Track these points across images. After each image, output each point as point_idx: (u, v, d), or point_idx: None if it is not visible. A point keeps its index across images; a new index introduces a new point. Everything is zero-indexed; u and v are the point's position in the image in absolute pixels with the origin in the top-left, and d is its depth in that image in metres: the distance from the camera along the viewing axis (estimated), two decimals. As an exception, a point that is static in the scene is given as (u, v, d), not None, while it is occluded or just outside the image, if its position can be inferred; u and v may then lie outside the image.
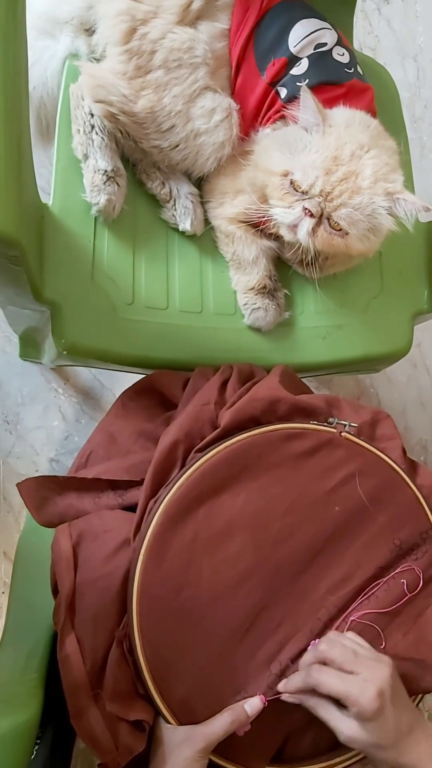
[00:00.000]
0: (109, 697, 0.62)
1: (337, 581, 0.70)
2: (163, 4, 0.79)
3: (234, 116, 0.83)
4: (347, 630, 0.67)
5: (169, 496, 0.67)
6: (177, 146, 0.83)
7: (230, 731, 0.62)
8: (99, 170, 0.82)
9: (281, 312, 0.89)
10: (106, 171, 0.82)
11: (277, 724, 0.65)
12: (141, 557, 0.65)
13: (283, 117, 0.83)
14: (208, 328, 0.88)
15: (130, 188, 0.87)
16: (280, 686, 0.64)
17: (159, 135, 0.82)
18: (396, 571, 0.71)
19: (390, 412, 0.83)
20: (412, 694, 0.69)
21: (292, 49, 0.82)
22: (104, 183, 0.82)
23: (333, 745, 0.67)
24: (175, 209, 0.87)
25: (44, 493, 0.75)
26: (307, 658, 0.65)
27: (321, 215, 0.78)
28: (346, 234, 0.78)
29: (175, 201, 0.87)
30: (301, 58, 0.82)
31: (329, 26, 0.85)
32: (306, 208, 0.77)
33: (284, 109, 0.82)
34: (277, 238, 0.88)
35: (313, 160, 0.76)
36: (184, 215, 0.87)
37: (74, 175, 0.84)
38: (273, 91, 0.83)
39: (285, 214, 0.79)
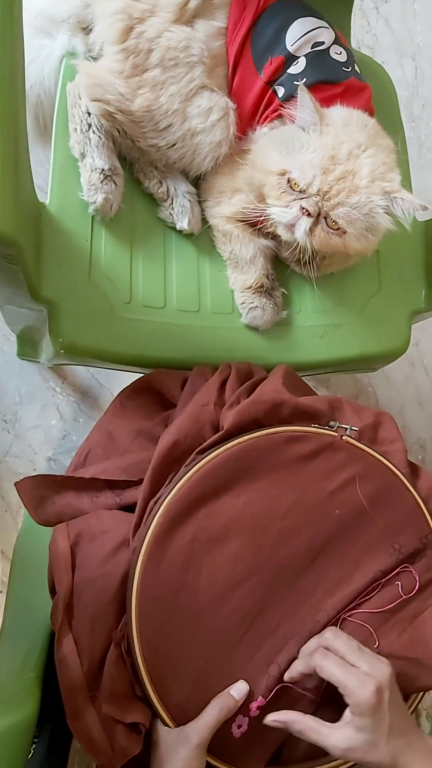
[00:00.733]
0: (105, 699, 0.62)
1: (335, 584, 0.69)
2: (160, 3, 0.79)
3: (231, 115, 0.83)
4: (339, 627, 0.67)
5: (169, 496, 0.67)
6: (174, 145, 0.83)
7: (221, 720, 0.61)
8: (96, 169, 0.82)
9: (279, 311, 0.89)
10: (103, 170, 0.82)
11: (273, 727, 0.65)
12: (141, 557, 0.65)
13: (280, 116, 0.83)
14: (205, 327, 0.88)
15: (127, 187, 0.86)
16: (286, 677, 0.64)
17: (156, 134, 0.82)
18: (394, 573, 0.71)
19: (388, 411, 0.83)
20: (408, 693, 0.69)
21: (290, 48, 0.82)
22: (101, 182, 0.82)
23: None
24: (173, 208, 0.87)
25: (42, 492, 0.75)
26: (311, 644, 0.64)
27: (318, 214, 0.78)
28: (344, 233, 0.78)
29: (172, 200, 0.87)
30: (298, 57, 0.82)
31: (326, 25, 0.85)
32: (303, 208, 0.77)
33: (282, 108, 0.82)
34: (274, 237, 0.87)
35: (310, 159, 0.76)
36: (181, 214, 0.87)
37: (71, 173, 0.84)
38: (270, 90, 0.83)
39: (282, 213, 0.79)
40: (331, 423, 0.76)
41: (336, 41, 0.84)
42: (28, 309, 0.84)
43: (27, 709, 0.65)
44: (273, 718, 0.62)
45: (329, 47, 0.83)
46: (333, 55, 0.83)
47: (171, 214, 0.87)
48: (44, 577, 0.71)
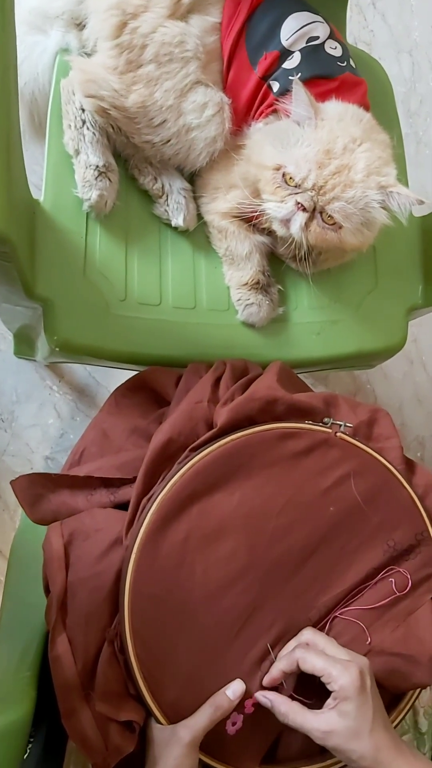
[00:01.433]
0: (99, 698, 0.62)
1: (330, 582, 0.69)
2: (154, -2, 0.79)
3: (226, 111, 0.83)
4: (330, 625, 0.68)
5: (162, 494, 0.67)
6: (169, 141, 0.82)
7: (215, 719, 0.61)
8: (90, 165, 0.81)
9: (275, 308, 0.89)
10: (97, 166, 0.82)
11: (268, 724, 0.64)
12: (133, 555, 0.64)
13: (275, 111, 0.83)
14: (201, 324, 0.87)
15: (122, 184, 0.86)
16: (266, 680, 0.64)
17: (150, 130, 0.82)
18: (385, 572, 0.70)
19: (386, 408, 0.82)
20: (403, 691, 0.69)
21: (284, 43, 0.81)
22: (96, 178, 0.81)
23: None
24: (168, 204, 0.87)
25: (37, 491, 0.74)
26: (289, 646, 0.66)
27: (314, 209, 0.77)
28: (340, 228, 0.78)
29: (167, 196, 0.87)
30: (293, 52, 0.82)
31: (321, 19, 0.84)
32: (298, 203, 0.77)
33: (277, 103, 0.82)
34: (270, 233, 0.87)
35: (305, 153, 0.76)
36: (176, 210, 0.87)
37: (66, 170, 0.83)
38: (265, 85, 0.83)
39: (277, 208, 0.79)
40: (326, 419, 0.75)
41: (331, 36, 0.84)
42: (24, 307, 0.84)
43: (22, 709, 0.65)
44: (263, 695, 0.63)
45: (324, 42, 0.83)
46: (328, 50, 0.83)
47: (166, 210, 0.87)
48: (41, 576, 0.71)
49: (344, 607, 0.68)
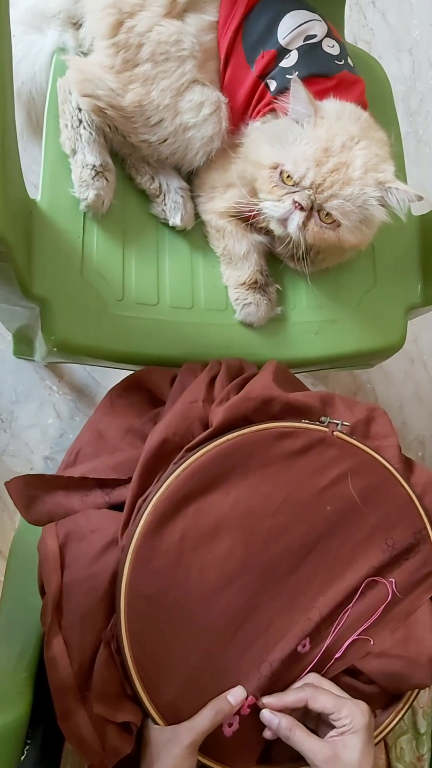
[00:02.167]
0: (96, 699, 0.62)
1: (328, 581, 0.69)
2: (150, -3, 0.78)
3: (223, 110, 0.83)
4: (338, 630, 0.68)
5: (158, 494, 0.66)
6: (166, 140, 0.82)
7: (216, 723, 0.61)
8: (87, 165, 0.81)
9: (273, 307, 0.88)
10: (94, 166, 0.81)
11: (263, 726, 0.64)
12: (129, 556, 0.64)
13: (272, 110, 0.83)
14: (199, 324, 0.87)
15: (119, 183, 0.86)
16: (273, 702, 0.64)
17: (147, 129, 0.82)
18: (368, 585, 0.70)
19: (387, 408, 0.82)
20: (402, 692, 0.69)
21: (282, 41, 0.81)
22: (93, 178, 0.81)
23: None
24: (165, 204, 0.86)
25: (32, 492, 0.74)
26: (294, 686, 0.66)
27: (311, 208, 0.77)
28: (338, 226, 0.77)
29: (165, 196, 0.86)
30: (290, 50, 0.81)
31: (319, 18, 0.84)
32: (296, 201, 0.76)
33: (275, 101, 0.82)
34: (268, 232, 0.87)
35: (303, 151, 0.76)
36: (174, 210, 0.86)
37: (63, 170, 0.83)
38: (262, 84, 0.83)
39: (275, 207, 0.79)
40: (322, 418, 0.75)
41: (328, 34, 0.83)
42: (21, 307, 0.84)
43: (19, 710, 0.64)
44: (270, 714, 0.64)
45: (321, 40, 0.82)
46: (325, 48, 0.82)
47: (163, 210, 0.87)
48: (38, 577, 0.71)
49: (347, 610, 0.68)
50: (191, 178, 0.90)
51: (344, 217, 0.76)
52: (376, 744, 0.67)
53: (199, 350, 0.86)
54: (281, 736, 0.63)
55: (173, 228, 0.88)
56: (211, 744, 0.62)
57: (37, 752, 0.71)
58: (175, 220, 0.86)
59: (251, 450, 0.70)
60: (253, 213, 0.82)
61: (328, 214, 0.77)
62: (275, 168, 0.78)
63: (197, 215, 0.89)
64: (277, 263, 0.91)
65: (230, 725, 0.63)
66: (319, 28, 0.83)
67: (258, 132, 0.83)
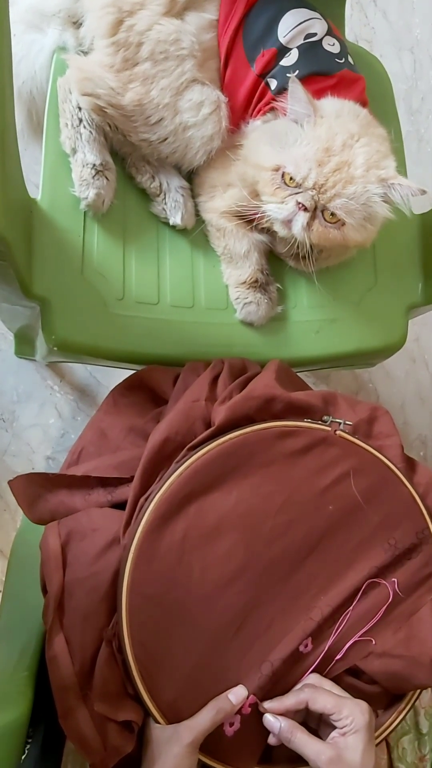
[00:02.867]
0: (97, 698, 0.61)
1: (329, 581, 0.69)
2: (150, -5, 0.78)
3: (223, 109, 0.82)
4: (340, 630, 0.67)
5: (160, 493, 0.66)
6: (166, 139, 0.82)
7: (217, 722, 0.61)
8: (87, 164, 0.81)
9: (273, 306, 0.88)
10: (94, 165, 0.81)
11: (264, 725, 0.64)
12: (131, 555, 0.64)
13: (273, 109, 0.82)
14: (199, 323, 0.87)
15: (119, 182, 0.86)
16: (274, 706, 0.64)
17: (147, 128, 0.81)
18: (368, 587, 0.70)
19: (389, 407, 0.82)
20: (405, 692, 0.69)
21: (282, 40, 0.81)
22: (93, 177, 0.81)
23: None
24: (166, 203, 0.86)
25: (35, 491, 0.74)
26: (295, 689, 0.66)
27: (315, 208, 0.77)
28: (343, 225, 0.77)
29: (165, 195, 0.86)
30: (290, 49, 0.81)
31: (319, 16, 0.84)
32: (299, 203, 0.76)
33: (274, 101, 0.81)
34: (269, 231, 0.87)
35: (304, 152, 0.75)
36: (174, 209, 0.86)
37: (63, 169, 0.83)
38: (263, 83, 0.83)
39: (278, 209, 0.78)
40: (325, 418, 0.75)
41: (329, 32, 0.83)
42: (22, 306, 0.84)
43: (20, 709, 0.64)
44: (273, 717, 0.63)
45: (322, 38, 0.82)
46: (326, 47, 0.82)
47: (164, 209, 0.86)
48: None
49: (349, 610, 0.68)
50: (192, 177, 0.89)
51: (348, 216, 0.76)
52: (378, 744, 0.67)
53: (199, 349, 0.86)
54: (282, 739, 0.63)
55: (174, 227, 0.88)
56: (212, 743, 0.62)
57: (38, 751, 0.71)
58: (176, 219, 0.86)
59: (253, 449, 0.70)
60: (255, 215, 0.82)
61: (332, 214, 0.76)
62: (277, 170, 0.77)
63: (198, 214, 0.89)
64: (277, 262, 0.91)
65: (231, 725, 0.63)
66: (319, 27, 0.82)
67: (257, 133, 0.83)
